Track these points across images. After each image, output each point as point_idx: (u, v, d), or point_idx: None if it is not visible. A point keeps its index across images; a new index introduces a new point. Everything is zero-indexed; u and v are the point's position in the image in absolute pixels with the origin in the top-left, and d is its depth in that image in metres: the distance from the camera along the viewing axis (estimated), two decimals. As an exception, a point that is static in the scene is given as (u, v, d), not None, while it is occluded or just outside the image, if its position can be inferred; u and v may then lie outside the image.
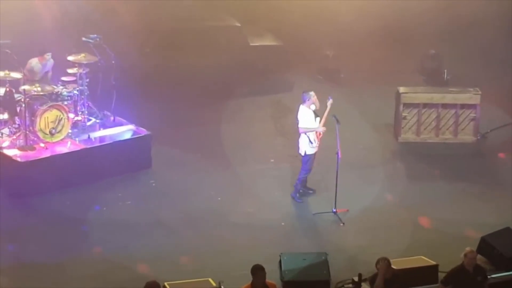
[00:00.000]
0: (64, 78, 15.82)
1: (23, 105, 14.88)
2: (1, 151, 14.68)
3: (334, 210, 14.02)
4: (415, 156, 16.51)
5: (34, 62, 15.64)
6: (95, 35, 15.99)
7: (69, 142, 15.20)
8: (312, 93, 14.35)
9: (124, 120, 16.08)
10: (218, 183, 15.14)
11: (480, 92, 17.19)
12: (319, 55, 20.65)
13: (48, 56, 15.71)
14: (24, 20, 17.29)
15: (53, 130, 14.98)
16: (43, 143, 14.94)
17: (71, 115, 15.42)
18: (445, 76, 19.66)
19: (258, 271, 10.51)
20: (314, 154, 14.43)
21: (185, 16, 19.65)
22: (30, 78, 15.46)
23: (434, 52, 20.50)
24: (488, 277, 11.45)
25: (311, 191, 14.78)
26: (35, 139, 14.95)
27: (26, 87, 15.02)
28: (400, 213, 14.22)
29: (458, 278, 11.09)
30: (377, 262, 10.94)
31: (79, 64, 15.68)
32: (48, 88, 15.20)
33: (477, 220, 13.93)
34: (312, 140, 14.26)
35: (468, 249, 11.22)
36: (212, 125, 17.38)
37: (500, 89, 18.70)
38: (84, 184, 14.62)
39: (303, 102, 14.33)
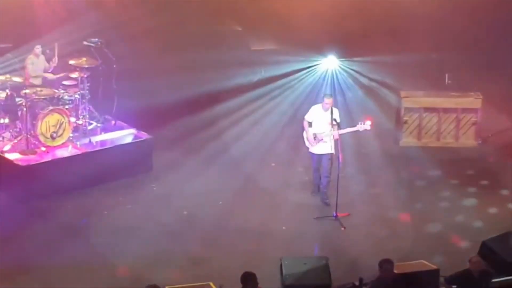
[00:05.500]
0: (65, 82, 15.84)
1: (24, 109, 14.89)
2: (2, 155, 14.69)
3: (335, 214, 14.01)
4: (416, 161, 16.49)
5: (32, 57, 15.69)
6: (97, 39, 16.03)
7: (70, 146, 15.21)
8: (326, 98, 14.28)
9: (125, 124, 16.10)
10: (219, 187, 15.14)
11: (481, 97, 17.18)
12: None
13: (38, 49, 15.73)
14: (25, 24, 17.27)
15: (54, 134, 14.99)
16: (44, 147, 14.95)
17: (72, 119, 15.43)
18: (446, 80, 19.61)
19: (246, 278, 10.35)
20: (316, 154, 14.35)
21: (186, 19, 19.63)
22: (32, 76, 15.50)
23: (435, 56, 20.44)
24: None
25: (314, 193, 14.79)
26: (36, 143, 14.96)
27: (27, 91, 15.06)
28: (401, 218, 14.20)
29: (463, 281, 11.05)
30: (383, 263, 10.83)
31: (80, 68, 15.71)
32: (49, 91, 15.23)
33: (479, 224, 13.93)
34: (305, 138, 14.27)
35: (474, 256, 11.18)
36: (213, 129, 17.38)
37: (501, 93, 18.65)
38: (85, 188, 14.63)
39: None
